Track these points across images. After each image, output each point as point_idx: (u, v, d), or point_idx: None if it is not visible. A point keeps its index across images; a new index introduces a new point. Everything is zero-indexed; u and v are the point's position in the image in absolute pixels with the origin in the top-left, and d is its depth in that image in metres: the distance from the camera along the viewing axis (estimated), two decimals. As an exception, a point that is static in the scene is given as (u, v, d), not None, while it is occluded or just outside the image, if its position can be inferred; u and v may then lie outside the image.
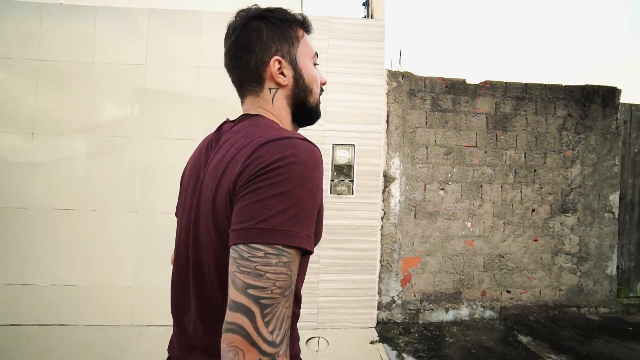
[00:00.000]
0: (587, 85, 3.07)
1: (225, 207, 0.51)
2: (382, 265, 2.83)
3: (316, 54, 0.70)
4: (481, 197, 2.94)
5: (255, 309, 0.43)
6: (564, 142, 3.05)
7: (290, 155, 0.49)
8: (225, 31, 0.66)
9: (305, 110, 0.67)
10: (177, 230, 0.68)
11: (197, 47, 2.59)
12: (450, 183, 2.90)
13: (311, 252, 0.50)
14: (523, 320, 2.95)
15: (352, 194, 2.68)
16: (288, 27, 0.64)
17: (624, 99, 3.17)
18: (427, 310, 2.88)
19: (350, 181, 2.68)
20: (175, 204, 0.77)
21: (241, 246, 0.46)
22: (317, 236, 0.56)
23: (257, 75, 0.63)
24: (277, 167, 0.48)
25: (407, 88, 2.82)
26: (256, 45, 0.62)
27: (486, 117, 2.94)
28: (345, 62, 2.66)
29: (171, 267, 0.71)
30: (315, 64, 0.70)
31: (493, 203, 2.96)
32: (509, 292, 3.02)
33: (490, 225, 2.96)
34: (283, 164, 0.48)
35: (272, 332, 0.43)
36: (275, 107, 0.64)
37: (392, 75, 2.80)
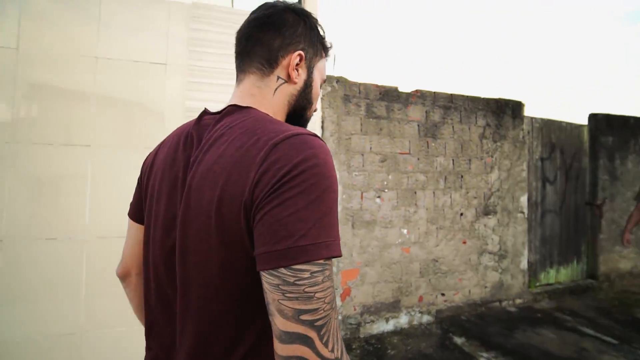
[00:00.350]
0: (500, 99, 3.36)
1: (238, 220, 0.46)
2: (321, 281, 2.65)
3: (325, 81, 0.71)
4: (415, 204, 2.98)
5: (313, 334, 0.41)
6: (485, 149, 3.27)
7: (311, 157, 0.45)
8: (259, 6, 0.62)
9: (299, 120, 0.64)
10: (145, 239, 0.61)
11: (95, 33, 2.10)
12: (386, 191, 2.87)
13: (340, 256, 0.47)
14: (456, 321, 3.05)
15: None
16: (321, 39, 0.64)
17: (527, 112, 3.56)
18: (368, 322, 2.79)
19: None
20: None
21: (283, 270, 0.42)
22: None
23: (275, 56, 0.59)
24: (301, 171, 0.44)
25: (342, 93, 2.71)
26: (288, 30, 0.59)
27: (418, 125, 2.99)
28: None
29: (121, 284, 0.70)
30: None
31: (427, 209, 3.02)
32: (443, 295, 3.11)
33: (425, 231, 3.01)
34: (307, 167, 0.44)
35: (332, 350, 0.42)
36: (275, 98, 0.59)
37: (327, 79, 2.66)
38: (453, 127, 3.13)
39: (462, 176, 3.17)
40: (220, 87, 1.90)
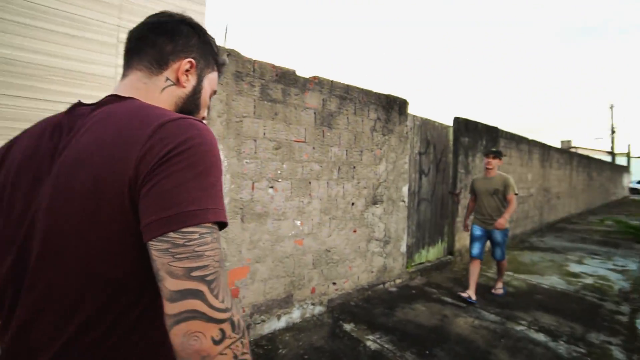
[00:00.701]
0: (389, 95, 3.55)
1: (121, 197, 0.46)
2: (204, 284, 2.29)
3: (215, 92, 0.74)
4: (310, 194, 2.89)
5: (204, 288, 0.43)
6: (375, 141, 3.42)
7: (196, 136, 0.49)
8: (157, 13, 0.66)
9: None
10: None
11: None
12: (280, 180, 2.68)
13: (226, 224, 0.51)
14: (346, 307, 3.14)
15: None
16: (214, 54, 0.70)
17: (410, 110, 3.89)
18: (259, 323, 2.58)
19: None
20: None
21: (172, 234, 0.44)
22: None
23: (165, 59, 0.63)
24: (187, 147, 0.48)
25: (234, 69, 2.36)
26: (181, 40, 0.64)
27: (314, 113, 2.88)
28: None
29: None
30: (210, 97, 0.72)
31: (320, 199, 2.97)
32: (334, 284, 3.15)
33: (318, 222, 2.97)
34: (193, 144, 0.48)
35: (223, 301, 0.45)
36: (162, 97, 0.62)
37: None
38: (348, 118, 3.15)
39: (354, 167, 3.23)
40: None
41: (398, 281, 3.82)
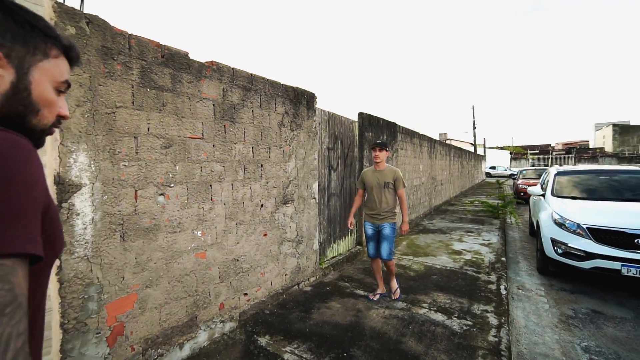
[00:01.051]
0: (297, 88, 3.38)
1: None
2: (65, 331, 1.73)
3: (66, 83, 0.64)
4: (211, 199, 2.51)
5: None
6: (283, 137, 3.21)
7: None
8: None
9: (21, 128, 0.57)
10: None
11: None
12: (172, 185, 2.23)
13: (41, 258, 0.48)
14: (261, 318, 2.89)
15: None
16: (39, 36, 0.58)
17: (318, 104, 3.81)
18: (156, 358, 2.12)
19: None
20: None
21: None
22: (54, 242, 0.57)
23: None
24: None
25: (99, 44, 1.80)
26: None
27: (214, 105, 2.49)
28: None
29: None
30: (60, 91, 0.63)
31: (224, 204, 2.62)
32: (245, 294, 2.86)
33: (223, 229, 2.62)
34: None
35: None
36: None
37: (66, 13, 1.67)
38: (253, 111, 2.85)
39: (262, 165, 2.97)
40: None
41: (312, 279, 3.76)
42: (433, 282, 3.85)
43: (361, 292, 3.51)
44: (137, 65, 1.99)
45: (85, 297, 1.81)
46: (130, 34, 1.95)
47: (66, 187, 1.70)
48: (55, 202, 1.67)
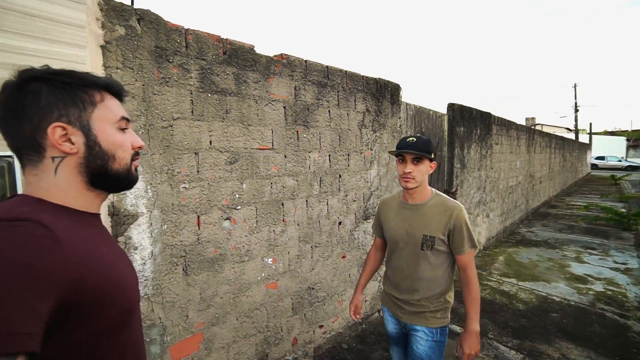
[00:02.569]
0: (379, 79, 2.80)
1: None
2: (127, 378, 1.50)
3: (125, 119, 0.66)
4: (283, 220, 2.12)
5: None
6: (364, 140, 2.68)
7: None
8: None
9: (108, 177, 0.63)
10: None
11: None
12: (239, 207, 1.89)
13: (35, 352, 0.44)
14: (337, 353, 2.47)
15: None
16: (80, 90, 0.60)
17: (403, 97, 3.17)
18: (219, 407, 1.84)
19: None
20: None
21: None
22: (117, 300, 0.58)
23: (35, 143, 0.57)
24: None
25: (152, 44, 1.49)
26: (31, 109, 0.56)
27: (284, 107, 2.08)
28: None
29: None
30: (123, 129, 0.66)
31: (298, 224, 2.21)
32: (321, 326, 2.45)
33: (297, 254, 2.22)
34: None
35: None
36: (58, 177, 0.58)
37: (114, 10, 1.38)
38: (329, 112, 2.37)
39: (340, 176, 2.49)
40: None
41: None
42: (554, 323, 2.96)
43: (457, 329, 2.84)
44: (196, 66, 1.66)
45: (147, 340, 1.56)
46: (187, 29, 1.61)
47: (121, 219, 1.45)
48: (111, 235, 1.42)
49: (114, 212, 1.42)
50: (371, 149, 2.75)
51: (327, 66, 2.31)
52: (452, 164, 4.09)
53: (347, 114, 2.51)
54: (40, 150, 0.57)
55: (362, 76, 2.60)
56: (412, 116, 3.40)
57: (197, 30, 1.65)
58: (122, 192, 1.44)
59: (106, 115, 0.62)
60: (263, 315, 2.05)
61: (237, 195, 1.87)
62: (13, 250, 0.45)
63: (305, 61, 2.18)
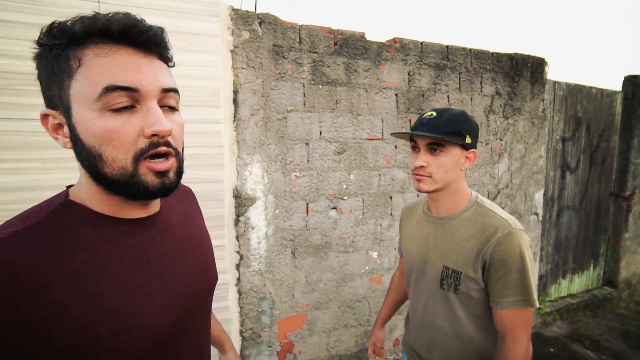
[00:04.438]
0: (516, 54, 2.31)
1: None
2: (244, 338, 1.74)
3: (121, 89, 0.40)
4: (391, 214, 2.03)
5: None
6: (492, 129, 2.28)
7: None
8: None
9: (105, 183, 0.44)
10: None
11: None
12: (345, 198, 1.89)
13: None
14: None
15: (175, 235, 1.46)
16: (61, 54, 0.40)
17: (549, 74, 2.54)
18: (320, 387, 1.93)
19: (168, 213, 1.45)
20: None
21: None
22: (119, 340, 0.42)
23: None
24: None
25: (270, 43, 1.63)
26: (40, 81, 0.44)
27: (396, 95, 1.96)
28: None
29: None
30: (122, 108, 0.41)
31: (406, 220, 2.07)
32: (426, 333, 2.26)
33: (403, 252, 2.09)
34: None
35: None
36: (81, 173, 0.46)
37: (241, 18, 1.57)
38: (449, 97, 2.11)
39: (458, 170, 2.20)
40: None
41: (525, 327, 2.66)
42: None
43: (622, 376, 2.15)
44: (308, 59, 1.72)
45: (260, 310, 1.76)
46: (301, 25, 1.68)
47: (242, 201, 1.65)
48: (234, 216, 1.65)
49: (237, 195, 1.64)
50: (500, 139, 2.32)
51: (446, 46, 2.05)
52: (626, 159, 3.08)
53: (471, 99, 2.17)
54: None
55: (492, 53, 2.20)
56: (562, 97, 2.71)
57: (310, 25, 1.71)
58: (243, 177, 1.64)
59: (83, 89, 0.40)
60: (365, 309, 2.03)
61: (344, 186, 1.88)
62: None
63: (421, 43, 1.99)
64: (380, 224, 2.00)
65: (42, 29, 0.41)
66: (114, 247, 0.45)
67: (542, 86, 2.46)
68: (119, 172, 0.42)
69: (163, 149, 0.44)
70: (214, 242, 1.51)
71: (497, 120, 2.28)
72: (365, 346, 2.06)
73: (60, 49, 0.40)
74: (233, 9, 1.55)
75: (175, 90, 0.47)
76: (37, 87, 0.45)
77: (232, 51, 1.55)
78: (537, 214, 2.56)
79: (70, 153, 0.45)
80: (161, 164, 0.44)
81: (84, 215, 0.45)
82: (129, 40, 0.42)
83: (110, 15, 0.41)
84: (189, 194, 0.73)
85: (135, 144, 0.42)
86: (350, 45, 1.81)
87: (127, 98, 0.41)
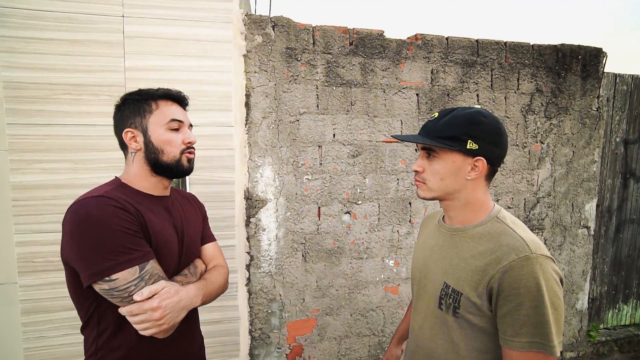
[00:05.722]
0: (562, 45, 2.05)
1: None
2: (253, 338, 1.77)
3: (175, 120, 0.83)
4: (410, 221, 1.92)
5: None
6: (530, 130, 2.05)
7: (67, 212, 0.72)
8: None
9: (161, 166, 0.83)
10: None
11: None
12: (360, 202, 1.83)
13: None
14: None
15: (187, 234, 1.53)
16: (143, 102, 0.82)
17: (608, 67, 2.21)
18: (330, 394, 1.89)
19: (182, 212, 1.53)
20: None
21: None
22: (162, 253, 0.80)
23: (122, 143, 0.84)
24: (72, 229, 0.70)
25: (283, 46, 1.63)
26: (117, 120, 0.84)
27: (417, 95, 1.85)
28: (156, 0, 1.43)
29: None
30: (174, 129, 0.84)
31: (427, 228, 1.95)
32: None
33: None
34: (64, 219, 0.72)
35: None
36: (134, 165, 0.83)
37: (254, 23, 1.59)
38: (478, 95, 1.94)
39: (489, 175, 2.01)
40: None
41: (569, 355, 2.36)
42: None
43: None
44: (322, 61, 1.69)
45: (269, 311, 1.77)
46: (315, 26, 1.66)
47: (253, 202, 1.68)
48: (244, 217, 1.68)
49: (248, 197, 1.67)
50: (541, 142, 2.07)
51: (476, 40, 1.89)
52: None
53: (505, 97, 1.98)
54: (124, 147, 0.84)
55: (532, 45, 1.98)
56: (625, 92, 2.35)
57: (324, 26, 1.68)
58: (254, 179, 1.66)
59: (158, 119, 0.82)
60: (379, 318, 1.94)
61: (358, 190, 1.82)
62: (97, 209, 0.71)
63: (447, 38, 1.85)
64: (398, 231, 1.91)
65: (126, 93, 0.86)
66: (153, 206, 0.83)
67: (597, 81, 2.15)
68: (171, 160, 0.83)
69: (192, 149, 0.87)
70: (223, 242, 1.57)
71: (537, 121, 2.05)
72: (379, 357, 1.98)
73: (144, 100, 0.83)
74: (247, 14, 1.58)
75: (191, 124, 0.90)
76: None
77: (244, 55, 1.59)
78: (587, 227, 2.25)
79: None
80: (191, 155, 0.87)
81: (133, 190, 0.82)
82: (177, 100, 0.87)
83: (169, 89, 0.86)
84: (190, 195, 1.03)
85: (180, 146, 0.84)
86: (367, 45, 1.74)
87: (177, 124, 0.84)
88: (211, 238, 1.00)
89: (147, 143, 0.81)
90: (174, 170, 0.83)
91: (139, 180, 0.83)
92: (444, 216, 0.91)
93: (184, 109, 0.89)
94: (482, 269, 0.72)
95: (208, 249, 0.97)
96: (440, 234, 0.88)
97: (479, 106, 0.94)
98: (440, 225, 0.89)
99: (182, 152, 0.83)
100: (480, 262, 0.73)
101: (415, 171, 0.82)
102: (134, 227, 0.73)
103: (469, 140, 0.74)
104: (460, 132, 0.75)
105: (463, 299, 0.74)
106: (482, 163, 0.76)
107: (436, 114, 0.80)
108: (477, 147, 0.74)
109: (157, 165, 0.81)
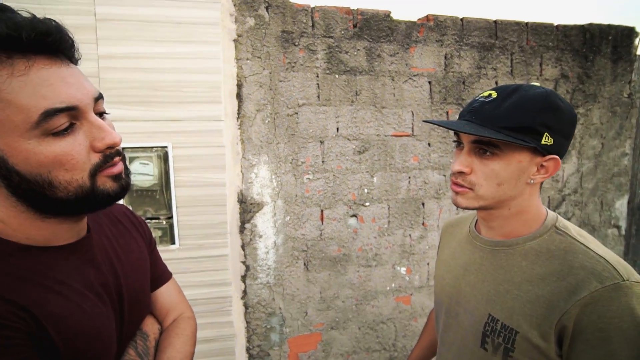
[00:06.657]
0: (590, 25, 1.85)
1: None
2: (251, 356, 1.59)
3: (65, 110, 0.38)
4: (423, 223, 1.73)
5: None
6: (555, 121, 1.86)
7: None
8: None
9: (56, 206, 0.42)
10: None
11: None
12: (367, 204, 1.64)
13: None
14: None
15: (173, 242, 1.36)
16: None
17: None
18: (338, 417, 1.71)
19: (167, 219, 1.36)
20: None
21: None
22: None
23: None
24: None
25: (279, 30, 1.45)
26: None
27: (430, 83, 1.66)
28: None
29: None
30: (64, 130, 0.39)
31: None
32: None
33: (439, 268, 1.78)
34: None
35: None
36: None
37: (245, 3, 1.41)
38: (497, 82, 1.74)
39: (510, 171, 1.82)
40: None
41: None
42: None
43: None
44: (323, 45, 1.50)
45: (268, 327, 1.60)
46: (314, 7, 1.48)
47: (248, 206, 1.50)
48: (238, 222, 1.50)
49: (241, 200, 1.49)
50: (568, 134, 1.87)
51: (494, 21, 1.69)
52: None
53: (527, 83, 1.78)
54: None
55: (556, 26, 1.78)
56: (657, 79, 2.13)
57: (325, 6, 1.50)
58: (248, 180, 1.48)
59: (10, 116, 0.36)
60: (390, 332, 1.76)
61: (365, 190, 1.64)
62: None
63: (462, 19, 1.66)
64: (410, 235, 1.72)
65: None
66: (55, 272, 0.45)
67: (630, 64, 1.95)
68: (75, 192, 0.42)
69: (117, 159, 0.44)
70: (215, 252, 1.38)
71: (563, 110, 1.85)
72: (392, 374, 1.79)
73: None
74: (236, -6, 1.39)
75: (102, 96, 0.45)
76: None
77: (235, 40, 1.40)
78: (617, 227, 2.05)
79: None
80: (115, 169, 0.44)
81: (10, 248, 0.42)
82: (52, 49, 0.39)
83: (23, 18, 0.36)
84: (124, 215, 0.65)
85: (89, 160, 0.42)
86: (372, 27, 1.55)
87: (68, 118, 0.39)
88: (165, 274, 0.68)
89: (6, 175, 0.39)
90: (86, 204, 0.44)
91: (19, 227, 0.43)
92: (476, 223, 0.71)
93: (69, 64, 0.42)
94: (547, 300, 0.53)
95: (163, 294, 0.65)
96: (475, 248, 0.68)
97: (537, 83, 0.73)
98: (473, 237, 0.69)
99: (96, 170, 0.43)
100: (541, 289, 0.55)
101: (458, 172, 0.59)
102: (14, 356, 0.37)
103: (546, 133, 0.54)
104: (536, 122, 0.54)
105: (519, 338, 0.55)
106: (554, 163, 0.57)
107: (493, 94, 0.58)
108: (552, 142, 0.55)
109: (48, 205, 0.42)
